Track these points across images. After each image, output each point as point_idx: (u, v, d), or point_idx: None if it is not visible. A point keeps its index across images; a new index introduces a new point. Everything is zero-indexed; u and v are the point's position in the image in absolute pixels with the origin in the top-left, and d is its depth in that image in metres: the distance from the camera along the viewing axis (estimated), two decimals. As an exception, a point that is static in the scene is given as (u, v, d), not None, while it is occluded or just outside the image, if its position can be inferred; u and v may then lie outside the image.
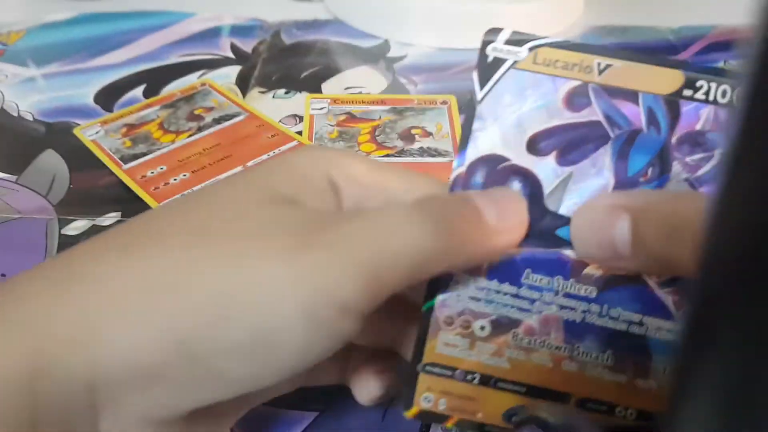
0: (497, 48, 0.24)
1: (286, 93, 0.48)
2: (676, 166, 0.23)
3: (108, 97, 0.48)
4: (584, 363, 0.23)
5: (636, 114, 0.23)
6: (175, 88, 0.48)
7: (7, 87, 0.49)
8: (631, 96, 0.23)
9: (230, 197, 0.22)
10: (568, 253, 0.23)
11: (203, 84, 0.48)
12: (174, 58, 0.52)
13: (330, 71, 0.51)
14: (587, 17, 0.57)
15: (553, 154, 0.23)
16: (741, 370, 0.11)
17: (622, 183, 0.23)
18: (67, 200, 0.39)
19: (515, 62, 0.23)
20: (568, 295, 0.23)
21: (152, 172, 0.40)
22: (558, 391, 0.23)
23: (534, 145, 0.23)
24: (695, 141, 0.23)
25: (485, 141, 0.23)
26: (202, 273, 0.19)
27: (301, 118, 0.45)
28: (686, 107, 0.23)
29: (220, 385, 0.20)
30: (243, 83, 0.49)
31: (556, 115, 0.23)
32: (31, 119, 0.46)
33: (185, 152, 0.42)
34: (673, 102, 0.23)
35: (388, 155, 0.42)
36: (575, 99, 0.23)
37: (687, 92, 0.23)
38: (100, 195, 0.40)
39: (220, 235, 0.20)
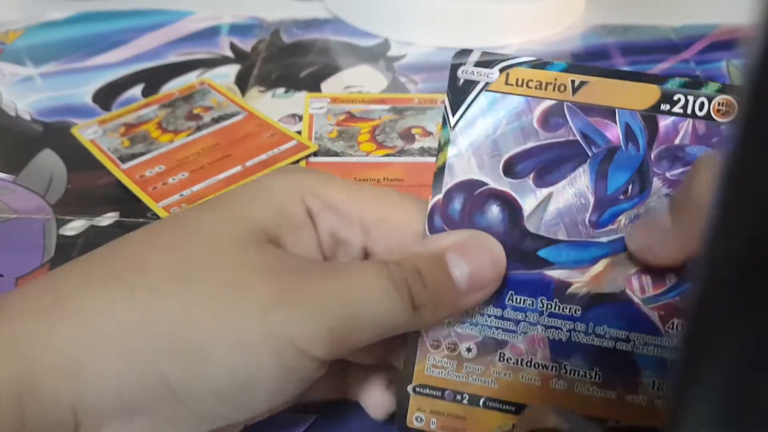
0: (467, 71, 0.23)
1: (286, 92, 0.48)
2: (656, 182, 0.23)
3: (106, 96, 0.48)
4: (572, 381, 0.23)
5: (613, 131, 0.23)
6: (173, 87, 0.48)
7: (5, 86, 0.49)
8: (608, 113, 0.23)
9: (213, 232, 0.22)
10: (550, 273, 0.23)
11: (202, 83, 0.48)
12: (173, 57, 0.52)
13: (329, 70, 0.50)
14: (588, 16, 0.57)
15: (531, 175, 0.23)
16: (741, 380, 0.11)
17: (602, 201, 0.23)
18: (65, 200, 0.39)
19: (487, 84, 0.23)
20: (552, 315, 0.23)
21: (151, 172, 0.40)
22: None
23: (511, 168, 0.23)
24: (675, 156, 0.22)
25: (461, 167, 0.23)
26: (185, 317, 0.20)
27: (300, 118, 0.45)
28: (664, 122, 0.23)
29: (199, 421, 0.21)
30: (242, 82, 0.49)
31: (532, 136, 0.23)
32: (29, 119, 0.46)
33: (184, 152, 0.42)
34: (650, 117, 0.23)
35: (388, 155, 0.41)
36: (550, 119, 0.23)
37: (664, 107, 0.22)
38: (98, 195, 0.39)
39: (201, 277, 0.21)
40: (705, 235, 0.11)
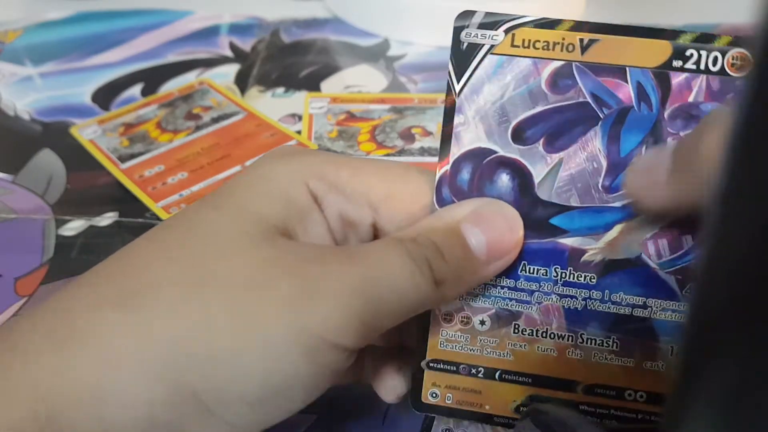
0: (471, 33, 0.22)
1: (285, 92, 0.48)
2: (670, 142, 0.22)
3: (105, 95, 0.48)
4: (589, 350, 0.23)
5: (625, 91, 0.22)
6: (173, 86, 0.48)
7: (4, 86, 0.49)
8: (619, 72, 0.22)
9: (220, 231, 0.21)
10: (563, 241, 0.22)
11: (201, 83, 0.48)
12: (172, 57, 0.52)
13: (329, 70, 0.50)
14: (589, 16, 0.56)
15: (541, 141, 0.22)
16: (742, 383, 0.11)
17: (615, 165, 0.22)
18: (64, 200, 0.39)
19: (492, 47, 0.22)
20: (567, 284, 0.22)
21: (150, 172, 0.40)
22: (565, 379, 0.23)
23: (520, 134, 0.22)
24: (689, 114, 0.22)
25: (468, 135, 0.22)
26: (206, 328, 0.19)
27: (300, 117, 0.45)
28: (677, 79, 0.22)
29: (233, 431, 0.20)
30: (242, 82, 0.49)
31: (541, 99, 0.22)
32: (28, 118, 0.45)
33: (183, 151, 0.41)
34: (662, 74, 0.22)
35: (388, 155, 0.41)
36: (559, 80, 0.22)
37: (676, 63, 0.22)
38: (98, 195, 0.39)
39: (217, 283, 0.20)
40: (706, 240, 0.11)
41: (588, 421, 0.23)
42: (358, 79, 0.49)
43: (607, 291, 0.22)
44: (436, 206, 0.23)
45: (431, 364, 0.23)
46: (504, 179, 0.22)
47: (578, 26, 0.22)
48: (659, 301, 0.22)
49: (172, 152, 0.41)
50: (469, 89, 0.22)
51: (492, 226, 0.22)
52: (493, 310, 0.23)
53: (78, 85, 0.49)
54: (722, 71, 0.21)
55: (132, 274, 0.21)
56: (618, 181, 0.22)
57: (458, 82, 0.22)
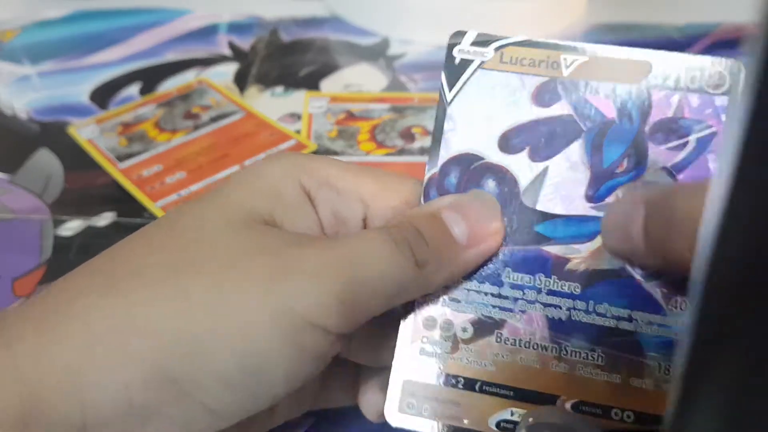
0: (463, 50, 0.24)
1: (285, 91, 0.48)
2: (652, 155, 0.22)
3: (103, 95, 0.47)
4: (574, 363, 0.22)
5: (607, 106, 0.23)
6: (171, 86, 0.48)
7: (1, 85, 0.48)
8: (600, 88, 0.23)
9: (204, 221, 0.21)
10: (548, 249, 0.23)
11: (200, 82, 0.48)
12: (170, 56, 0.51)
13: (329, 69, 0.50)
14: (590, 15, 0.56)
15: (526, 150, 0.23)
16: (742, 390, 0.11)
17: (598, 175, 0.23)
18: (62, 200, 0.39)
19: (482, 62, 0.24)
20: (551, 293, 0.22)
21: (148, 172, 0.40)
22: (548, 393, 0.22)
23: (506, 142, 0.23)
24: (669, 128, 0.22)
25: (457, 141, 0.23)
26: (183, 309, 0.19)
27: (299, 117, 0.45)
28: (657, 95, 0.23)
29: (213, 418, 0.20)
30: (241, 81, 0.49)
31: (526, 111, 0.23)
32: (26, 118, 0.45)
33: (182, 151, 0.41)
34: (643, 91, 0.23)
35: (388, 154, 0.41)
36: (544, 95, 0.23)
37: (656, 80, 0.23)
38: (96, 195, 0.39)
39: (196, 266, 0.20)
40: (707, 245, 0.11)
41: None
42: (358, 79, 0.49)
43: (591, 301, 0.22)
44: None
45: (409, 373, 0.22)
46: (490, 184, 0.23)
47: (561, 46, 0.23)
48: (645, 314, 0.22)
49: (170, 152, 0.41)
50: (459, 99, 0.24)
51: (471, 212, 0.22)
52: (476, 317, 0.23)
53: (76, 84, 0.48)
54: (700, 89, 0.22)
55: (117, 264, 0.21)
56: (601, 191, 0.23)
57: (450, 91, 0.24)
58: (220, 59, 0.51)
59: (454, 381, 0.22)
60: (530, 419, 0.21)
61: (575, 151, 0.23)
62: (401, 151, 0.41)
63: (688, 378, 0.12)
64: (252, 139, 0.42)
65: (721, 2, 0.55)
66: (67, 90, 0.48)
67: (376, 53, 0.52)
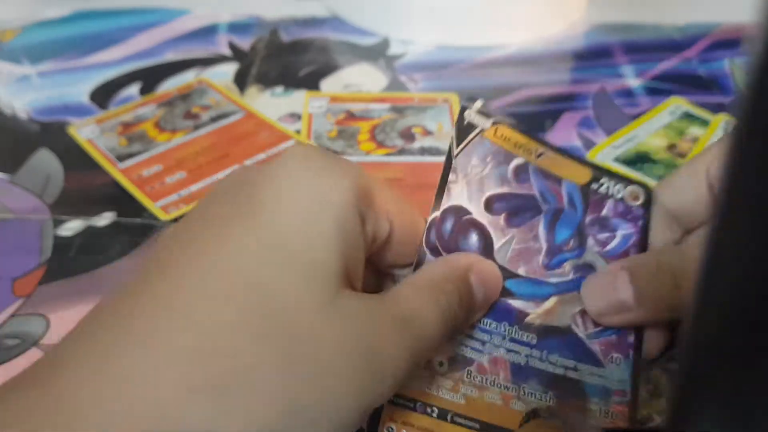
0: (471, 115, 0.27)
1: (285, 91, 0.48)
2: (590, 241, 0.27)
3: (103, 95, 0.47)
4: (529, 403, 0.25)
5: (560, 195, 0.28)
6: (171, 86, 0.48)
7: (1, 85, 0.48)
8: (557, 180, 0.28)
9: (287, 298, 0.20)
10: (512, 302, 0.26)
11: (200, 82, 0.48)
12: (170, 56, 0.51)
13: (329, 69, 0.50)
14: (590, 15, 0.56)
15: (503, 215, 0.27)
16: (743, 385, 0.11)
17: (552, 249, 0.27)
18: (62, 200, 0.39)
19: (482, 130, 0.27)
20: (513, 340, 0.26)
21: (148, 172, 0.40)
22: (508, 429, 0.25)
23: (489, 205, 0.27)
24: (601, 224, 0.28)
25: (456, 193, 0.27)
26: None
27: (299, 117, 0.45)
28: (594, 197, 0.28)
29: None
30: (240, 81, 0.49)
31: (507, 183, 0.27)
32: (26, 118, 0.45)
33: (182, 151, 0.41)
34: (585, 191, 0.28)
35: (388, 154, 0.41)
36: (520, 173, 0.27)
37: (594, 186, 0.28)
38: (95, 195, 0.39)
39: (304, 364, 0.19)
40: (699, 278, 0.11)
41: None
42: (358, 78, 0.49)
43: (545, 351, 0.26)
44: (424, 246, 0.26)
45: (392, 399, 0.25)
46: (473, 238, 0.26)
47: (535, 138, 0.28)
48: (587, 366, 0.26)
49: (170, 152, 0.41)
50: (463, 155, 0.27)
51: (490, 281, 0.25)
52: (451, 354, 0.25)
53: (76, 84, 0.48)
54: (622, 200, 0.28)
55: (218, 353, 0.19)
56: (554, 262, 0.27)
57: (457, 147, 0.27)
58: (220, 59, 0.51)
59: (429, 410, 0.25)
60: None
61: (537, 225, 0.27)
62: (401, 151, 0.41)
63: (688, 373, 0.12)
64: (252, 139, 0.42)
65: (721, 2, 0.55)
66: (67, 90, 0.48)
67: (376, 53, 0.52)
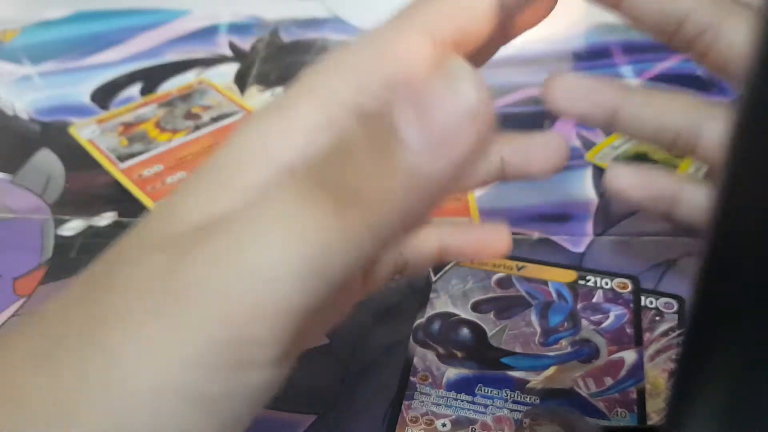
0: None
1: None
2: (584, 322, 0.30)
3: (104, 95, 0.47)
4: None
5: (547, 292, 0.32)
6: (172, 86, 0.48)
7: (2, 85, 0.48)
8: (543, 283, 0.32)
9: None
10: (511, 373, 0.28)
11: (200, 82, 0.48)
12: (171, 56, 0.51)
13: (329, 69, 0.50)
14: (590, 14, 0.56)
15: (492, 313, 0.31)
16: (742, 384, 0.11)
17: (546, 331, 0.30)
18: (63, 200, 0.39)
19: (458, 262, 0.33)
20: (516, 402, 0.28)
21: (149, 171, 0.40)
22: None
23: (477, 307, 0.31)
24: (594, 308, 0.31)
25: (439, 304, 0.31)
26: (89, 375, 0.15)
27: (299, 117, 0.45)
28: (582, 290, 0.32)
29: None
30: (241, 81, 0.49)
31: (490, 291, 0.32)
32: (27, 118, 0.45)
33: (182, 151, 0.41)
34: (572, 286, 0.32)
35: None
36: (503, 282, 0.32)
37: (581, 282, 0.32)
38: (96, 194, 0.39)
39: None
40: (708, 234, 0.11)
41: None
42: (358, 79, 0.49)
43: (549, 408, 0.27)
44: (411, 340, 0.30)
45: None
46: (465, 331, 0.30)
47: (513, 258, 0.32)
48: (594, 420, 0.27)
49: (171, 152, 0.41)
50: (442, 280, 0.32)
51: (434, 103, 0.15)
52: (454, 416, 0.27)
53: (77, 84, 0.48)
54: (612, 288, 0.32)
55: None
56: (550, 340, 0.30)
57: (435, 276, 0.33)
58: (221, 60, 0.51)
59: None
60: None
61: (528, 315, 0.31)
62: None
63: (686, 371, 0.12)
64: (252, 139, 0.42)
65: (721, 2, 0.55)
66: (68, 90, 0.48)
67: (377, 53, 0.52)
